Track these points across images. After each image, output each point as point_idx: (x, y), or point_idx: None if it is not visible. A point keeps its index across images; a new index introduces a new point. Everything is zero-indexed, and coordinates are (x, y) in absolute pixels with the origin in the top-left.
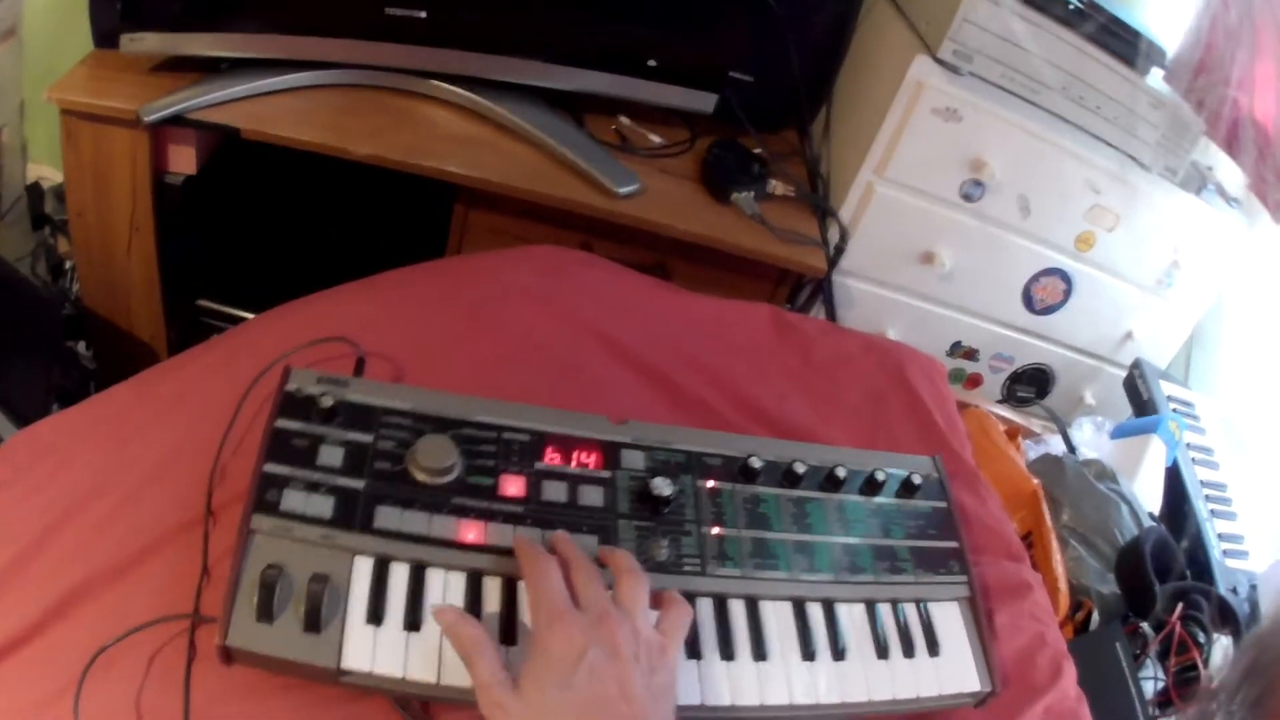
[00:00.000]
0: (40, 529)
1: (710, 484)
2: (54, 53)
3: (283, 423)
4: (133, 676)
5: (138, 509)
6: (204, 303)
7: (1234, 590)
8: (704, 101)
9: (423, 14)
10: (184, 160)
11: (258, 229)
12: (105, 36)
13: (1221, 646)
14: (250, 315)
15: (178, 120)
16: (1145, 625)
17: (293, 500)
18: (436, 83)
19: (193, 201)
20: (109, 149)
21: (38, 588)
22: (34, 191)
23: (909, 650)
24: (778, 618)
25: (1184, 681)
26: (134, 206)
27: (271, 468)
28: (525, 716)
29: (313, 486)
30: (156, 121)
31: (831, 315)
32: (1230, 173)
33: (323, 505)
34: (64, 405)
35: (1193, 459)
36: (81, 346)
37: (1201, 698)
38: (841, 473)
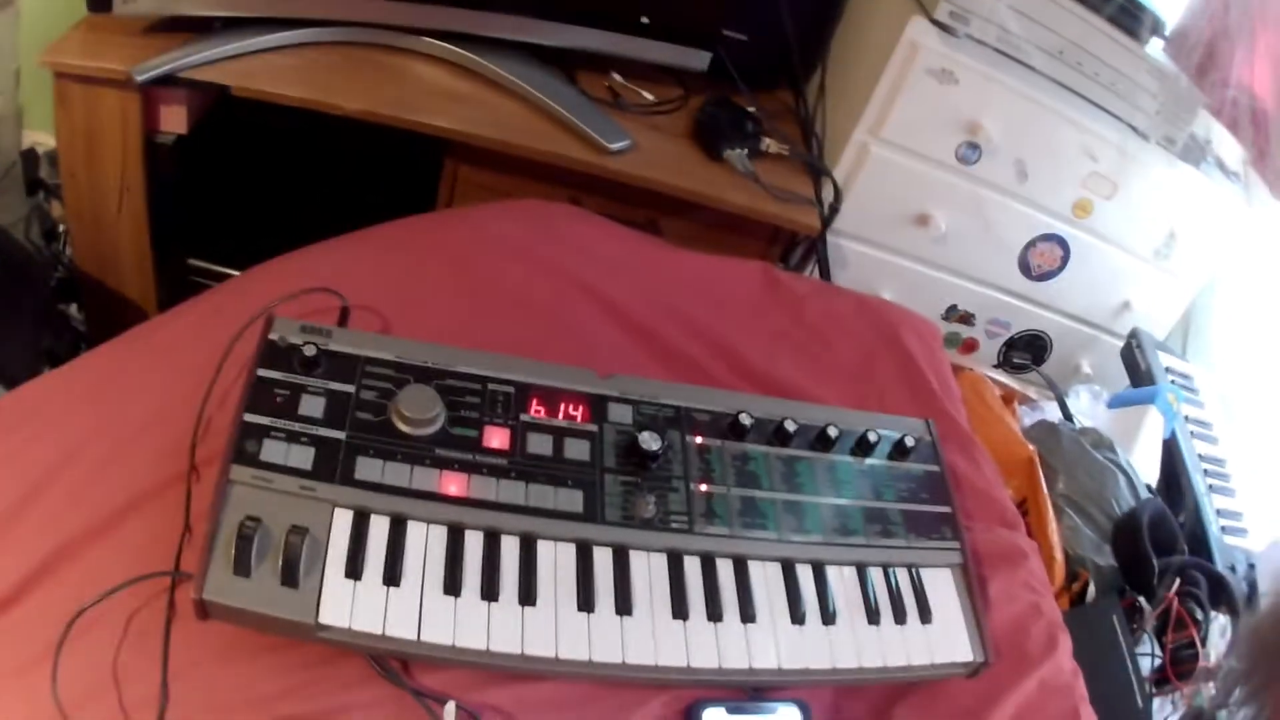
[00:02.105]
0: (23, 491)
1: (699, 440)
2: (50, 21)
3: (264, 372)
4: (111, 638)
5: (121, 467)
6: (194, 261)
7: (1232, 568)
8: (697, 59)
9: None
10: (175, 120)
11: (249, 188)
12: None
13: (1219, 625)
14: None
15: (169, 80)
16: (1142, 600)
17: (273, 451)
18: (427, 39)
19: (183, 161)
20: (100, 110)
21: (21, 550)
22: (29, 157)
23: (900, 617)
24: (766, 579)
25: (1181, 659)
26: (124, 166)
27: (252, 417)
28: None
29: (293, 437)
30: (148, 81)
31: (825, 275)
32: (1229, 146)
33: (303, 456)
34: (55, 368)
35: (1191, 432)
36: (74, 309)
37: (1199, 678)
38: (833, 432)
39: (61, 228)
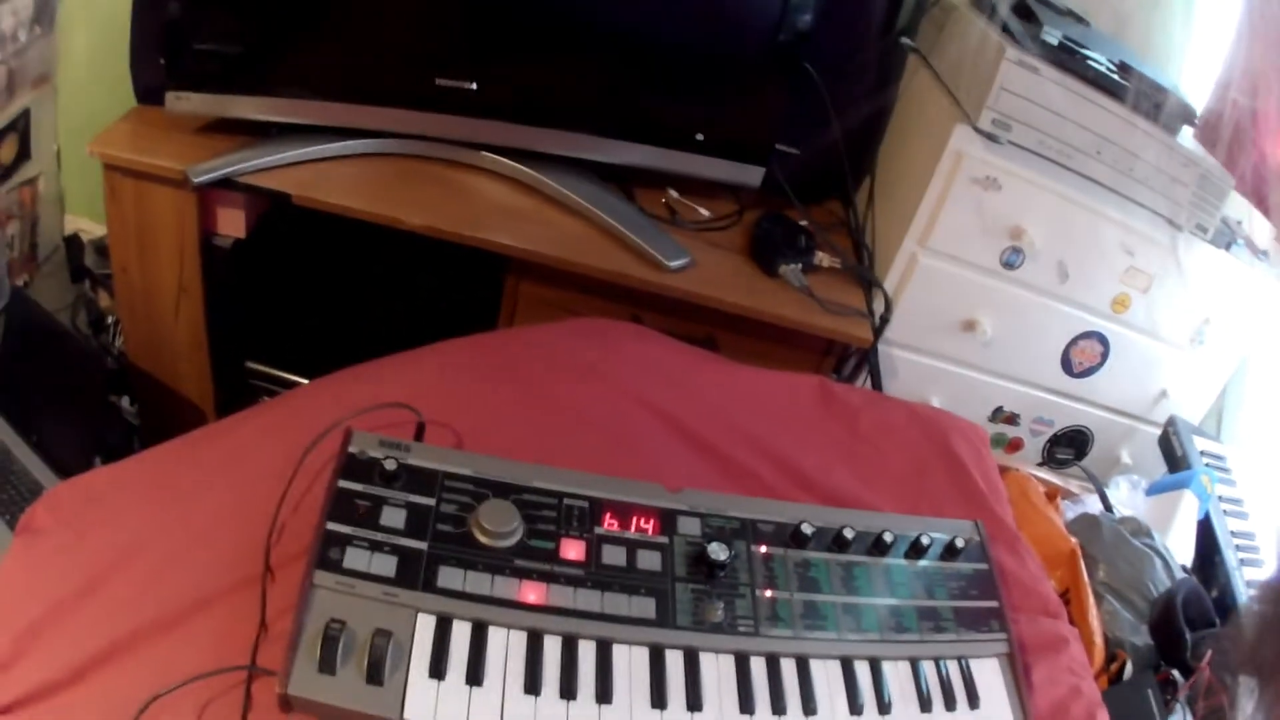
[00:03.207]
0: (85, 579)
1: (763, 549)
2: (90, 101)
3: (345, 484)
4: None
5: (189, 564)
6: (251, 364)
7: None
8: (751, 175)
9: (473, 86)
10: (232, 223)
11: (307, 293)
12: (149, 93)
13: (1249, 689)
14: (298, 379)
15: (226, 183)
16: (1175, 672)
17: (355, 559)
18: (487, 154)
19: (241, 264)
20: (154, 208)
21: (81, 635)
22: (73, 243)
23: (950, 704)
24: (827, 675)
25: None
26: (182, 268)
27: (334, 527)
28: None
29: (376, 546)
30: (205, 184)
31: (877, 385)
32: (1260, 226)
33: (386, 564)
34: (106, 459)
35: (1224, 510)
36: (125, 401)
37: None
38: (888, 537)
39: (110, 319)
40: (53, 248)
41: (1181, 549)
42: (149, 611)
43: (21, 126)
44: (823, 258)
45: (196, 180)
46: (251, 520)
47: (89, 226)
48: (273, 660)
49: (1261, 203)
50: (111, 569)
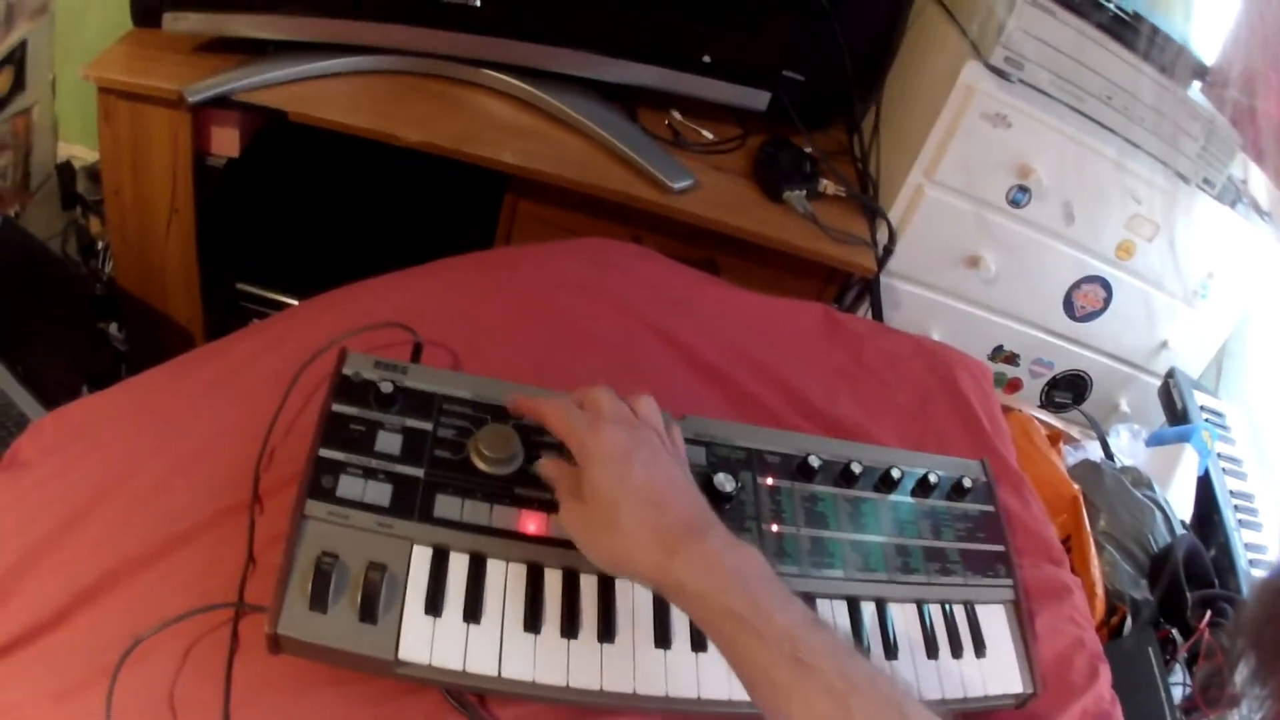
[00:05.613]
0: (67, 513)
1: (769, 481)
2: (85, 30)
3: (339, 407)
4: (168, 667)
5: (174, 494)
6: (242, 286)
7: None
8: (757, 99)
9: (476, 2)
10: (226, 142)
11: (300, 214)
12: (146, 14)
13: (1248, 662)
14: (290, 300)
15: (221, 101)
16: (1175, 631)
17: (349, 487)
18: (489, 72)
19: (234, 184)
20: (148, 128)
21: (65, 573)
22: (65, 171)
23: (957, 650)
24: (833, 615)
25: (1208, 686)
26: (174, 188)
27: (327, 453)
28: (595, 519)
29: (370, 473)
30: (200, 102)
31: (878, 315)
32: (1263, 187)
33: (380, 492)
34: (94, 388)
35: (1223, 469)
36: (113, 328)
37: (1225, 704)
38: (896, 473)
39: (100, 244)
40: (45, 176)
41: (1180, 504)
42: (133, 545)
43: (18, 57)
44: (827, 185)
45: (192, 99)
46: (239, 446)
47: (82, 153)
48: (260, 595)
49: (1263, 164)
50: (96, 501)
